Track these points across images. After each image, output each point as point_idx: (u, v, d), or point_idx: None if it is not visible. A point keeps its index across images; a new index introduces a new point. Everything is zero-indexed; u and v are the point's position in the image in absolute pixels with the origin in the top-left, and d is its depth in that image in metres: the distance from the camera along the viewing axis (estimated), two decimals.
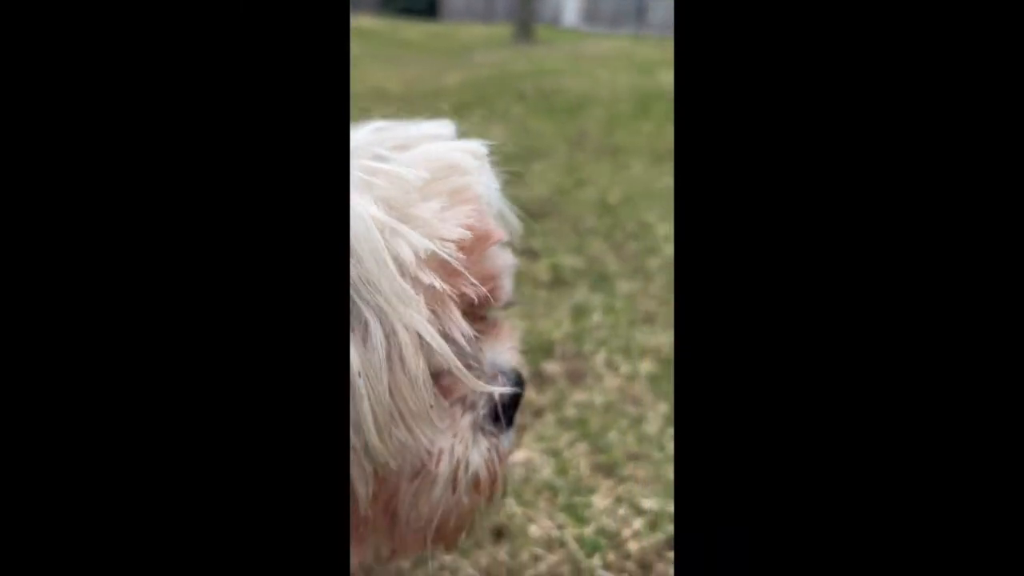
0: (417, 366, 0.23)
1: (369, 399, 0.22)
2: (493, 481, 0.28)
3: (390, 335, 0.22)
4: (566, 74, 3.70)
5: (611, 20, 8.02)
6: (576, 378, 0.89)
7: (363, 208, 0.23)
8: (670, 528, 0.64)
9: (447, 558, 0.62)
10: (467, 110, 2.90)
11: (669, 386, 0.86)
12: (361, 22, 9.72)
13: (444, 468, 0.27)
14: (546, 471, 0.72)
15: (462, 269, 0.25)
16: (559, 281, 1.17)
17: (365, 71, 4.34)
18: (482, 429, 0.28)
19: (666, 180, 1.71)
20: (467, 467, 0.27)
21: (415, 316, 0.23)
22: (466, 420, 0.27)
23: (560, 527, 0.64)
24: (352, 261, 0.23)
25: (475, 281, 0.26)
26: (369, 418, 0.23)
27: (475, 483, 0.28)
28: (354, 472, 0.24)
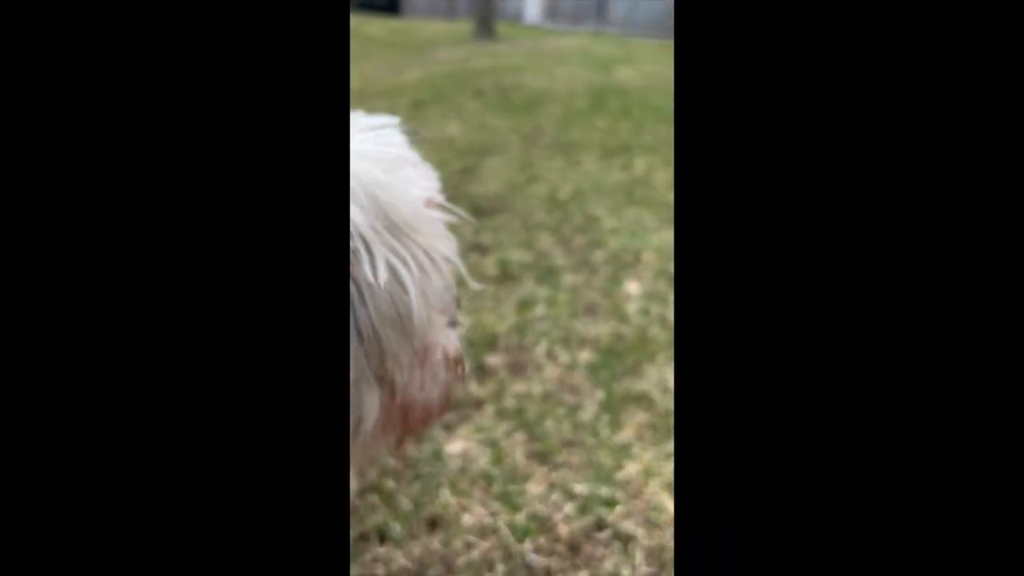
0: (447, 276, 0.32)
1: (417, 303, 0.30)
2: (460, 359, 0.37)
3: (429, 257, 0.31)
4: (525, 71, 3.71)
5: (572, 17, 8.09)
6: (517, 370, 0.90)
7: (379, 174, 0.30)
8: (599, 511, 0.66)
9: (380, 550, 0.63)
10: (424, 106, 2.88)
11: (606, 374, 0.88)
12: None
13: (439, 355, 0.34)
14: (482, 461, 0.73)
15: (449, 206, 0.34)
16: (506, 276, 1.18)
17: None
18: (450, 323, 0.35)
19: (616, 175, 1.75)
20: (450, 352, 0.35)
21: (440, 242, 0.32)
22: (444, 318, 0.35)
23: (493, 515, 0.66)
24: (388, 211, 0.30)
25: (460, 213, 0.34)
26: (416, 316, 0.30)
27: (455, 362, 0.36)
28: (395, 367, 0.32)
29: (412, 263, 0.30)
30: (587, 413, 0.81)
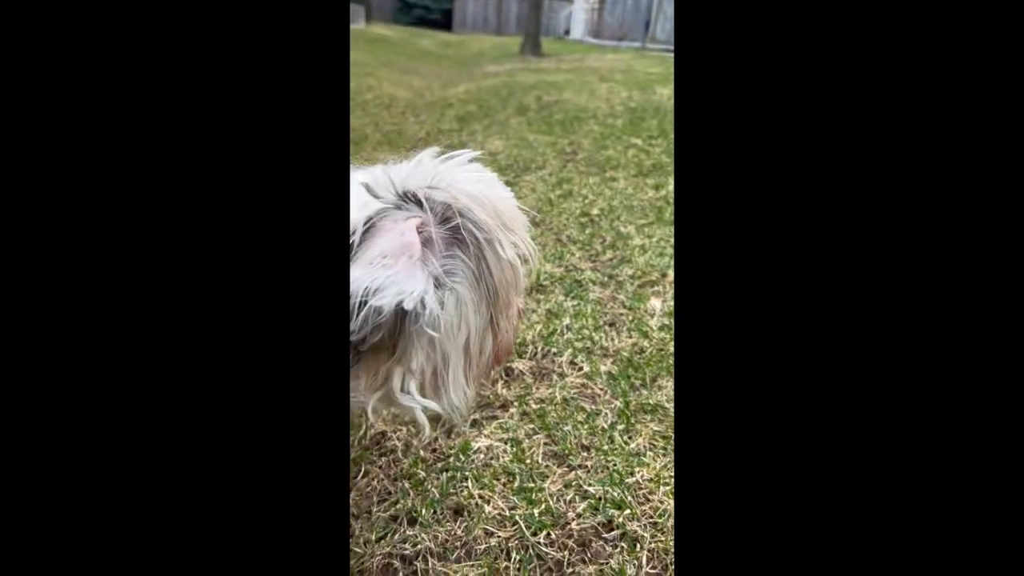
0: (533, 260, 0.46)
1: (521, 272, 0.44)
2: (523, 312, 0.51)
3: (524, 242, 0.44)
4: (567, 87, 3.79)
5: (618, 34, 8.13)
6: (542, 376, 0.96)
7: (489, 190, 0.43)
8: (610, 511, 0.70)
9: (409, 532, 0.69)
10: (470, 121, 3.00)
11: (625, 385, 0.93)
12: (376, 30, 9.93)
13: (514, 310, 0.47)
14: (505, 458, 0.79)
15: (523, 209, 0.47)
16: (538, 287, 1.24)
17: (377, 79, 4.48)
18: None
19: (648, 194, 1.79)
20: (520, 308, 0.49)
21: (525, 233, 0.45)
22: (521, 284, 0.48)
23: (512, 508, 0.71)
24: (501, 214, 0.42)
25: (531, 213, 0.49)
26: (521, 281, 0.44)
27: (521, 314, 0.50)
28: (506, 324, 0.45)
29: (518, 245, 0.43)
30: (604, 420, 0.85)
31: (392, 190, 0.39)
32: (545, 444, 0.81)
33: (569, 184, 1.87)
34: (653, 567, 0.64)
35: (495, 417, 0.87)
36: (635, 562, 0.65)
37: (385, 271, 0.35)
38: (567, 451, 0.80)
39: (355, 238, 0.36)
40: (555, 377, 0.95)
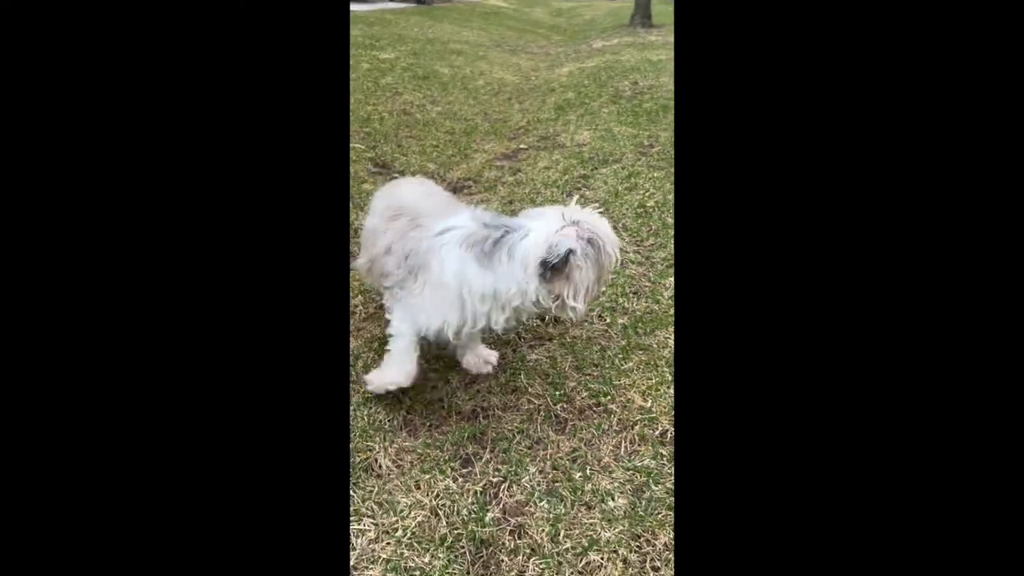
0: (617, 256, 1.02)
1: (611, 264, 1.01)
2: (608, 278, 1.18)
3: (614, 250, 1.01)
4: (665, 69, 3.98)
5: None
6: (578, 323, 1.47)
7: (593, 220, 1.01)
8: (600, 398, 1.21)
9: (488, 395, 1.27)
10: (567, 109, 3.41)
11: (632, 332, 1.40)
12: (491, 1, 10.26)
13: (607, 275, 1.06)
14: (546, 366, 1.33)
15: (618, 230, 1.18)
16: None
17: (488, 63, 4.98)
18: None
19: None
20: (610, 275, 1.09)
21: (616, 245, 1.01)
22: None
23: (544, 391, 1.25)
24: (598, 231, 0.99)
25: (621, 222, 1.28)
26: (612, 266, 1.02)
27: (607, 279, 1.13)
28: (604, 279, 1.03)
29: (612, 248, 0.98)
30: (611, 352, 1.35)
31: (569, 218, 0.98)
32: (571, 361, 1.33)
33: (637, 178, 2.26)
34: (617, 427, 1.15)
35: (543, 344, 1.40)
36: (607, 422, 1.15)
37: (565, 239, 0.94)
38: (582, 366, 1.31)
39: (558, 235, 0.95)
40: (587, 324, 1.45)
